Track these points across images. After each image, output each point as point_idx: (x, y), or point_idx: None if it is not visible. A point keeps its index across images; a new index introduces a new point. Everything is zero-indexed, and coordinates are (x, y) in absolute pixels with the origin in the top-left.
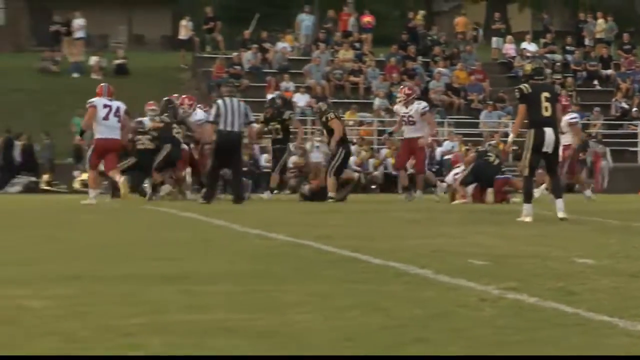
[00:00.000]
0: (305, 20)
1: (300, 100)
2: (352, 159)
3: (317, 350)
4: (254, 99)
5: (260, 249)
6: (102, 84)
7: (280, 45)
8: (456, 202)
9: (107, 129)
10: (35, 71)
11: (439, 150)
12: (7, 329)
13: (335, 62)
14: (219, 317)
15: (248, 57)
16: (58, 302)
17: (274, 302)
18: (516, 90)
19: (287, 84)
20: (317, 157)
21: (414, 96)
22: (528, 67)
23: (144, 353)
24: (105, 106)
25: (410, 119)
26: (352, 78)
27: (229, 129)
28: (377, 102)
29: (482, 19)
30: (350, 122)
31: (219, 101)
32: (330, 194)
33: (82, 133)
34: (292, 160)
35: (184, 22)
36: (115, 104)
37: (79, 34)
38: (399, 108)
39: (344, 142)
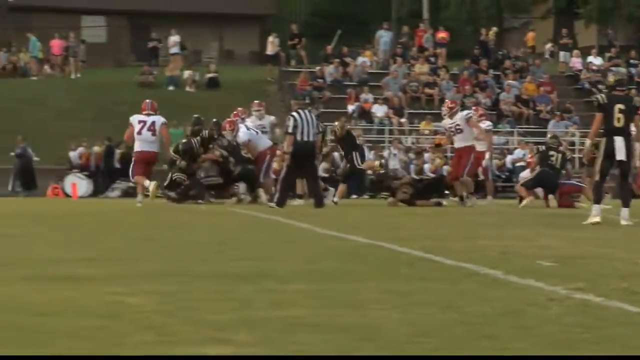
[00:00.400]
0: (384, 36)
1: (379, 110)
2: (426, 166)
3: (396, 344)
4: (336, 110)
5: (339, 250)
6: (146, 100)
7: (360, 59)
8: (524, 203)
9: (141, 143)
10: (135, 85)
11: (509, 158)
12: (108, 323)
13: (412, 75)
14: (301, 313)
15: (330, 70)
16: (155, 298)
17: (353, 299)
18: (593, 99)
19: (367, 96)
20: (394, 164)
21: (457, 108)
22: (611, 78)
23: (233, 347)
24: (139, 122)
25: (457, 127)
26: (427, 90)
27: (305, 139)
28: None
29: (550, 35)
30: (426, 132)
31: (295, 114)
32: (335, 199)
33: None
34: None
35: (271, 39)
36: (151, 119)
37: (175, 49)
38: (445, 121)
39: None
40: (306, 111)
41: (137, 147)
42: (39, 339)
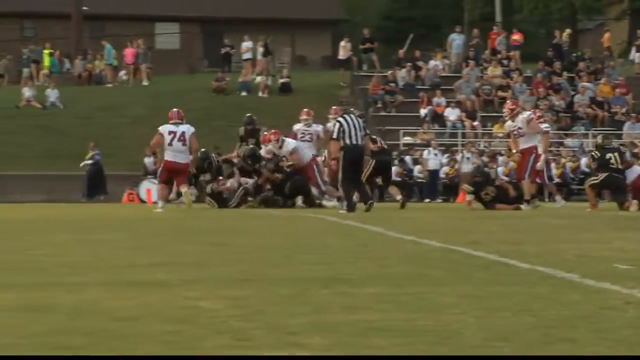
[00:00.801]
0: (456, 40)
1: (451, 114)
2: (499, 170)
3: (471, 348)
4: (408, 114)
5: (412, 254)
6: (173, 109)
7: (432, 63)
8: (588, 210)
9: (172, 153)
10: (208, 91)
11: (583, 161)
12: (183, 327)
13: (484, 78)
14: (376, 317)
15: (402, 74)
16: (229, 302)
17: (429, 303)
18: None
19: (439, 100)
20: (467, 167)
21: (518, 110)
22: None
23: (307, 350)
24: (170, 132)
25: (520, 130)
26: (500, 93)
27: (354, 142)
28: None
29: (625, 36)
30: (500, 134)
31: (340, 119)
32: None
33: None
34: (444, 170)
35: (343, 43)
36: (181, 128)
37: (247, 55)
38: (508, 124)
39: (377, 154)
40: (351, 115)
41: (168, 157)
42: (118, 344)
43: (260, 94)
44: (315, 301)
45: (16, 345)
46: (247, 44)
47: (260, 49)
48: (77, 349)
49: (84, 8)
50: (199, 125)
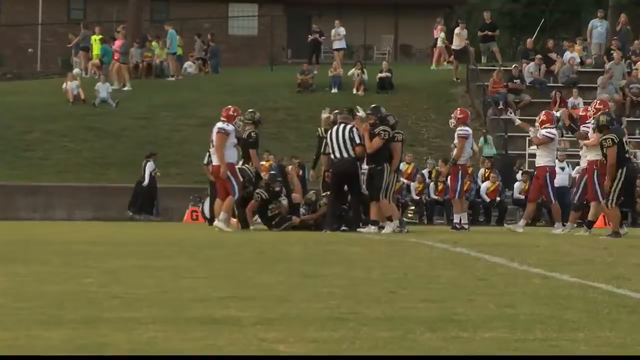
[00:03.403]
0: (598, 27)
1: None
2: None
3: None
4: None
5: (540, 291)
6: (228, 107)
7: (568, 55)
8: None
9: (213, 157)
10: (291, 86)
11: None
12: None
13: (632, 75)
14: None
15: (530, 69)
16: (314, 346)
17: (561, 352)
18: None
19: (575, 100)
20: None
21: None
22: None
23: None
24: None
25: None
26: None
27: (338, 155)
28: None
29: None
30: None
31: (331, 131)
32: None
33: None
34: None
35: (457, 30)
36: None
37: (339, 44)
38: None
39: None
40: (342, 125)
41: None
42: None
43: (354, 91)
44: (421, 347)
45: None
46: (339, 31)
47: (342, 38)
48: None
49: None
50: (280, 127)
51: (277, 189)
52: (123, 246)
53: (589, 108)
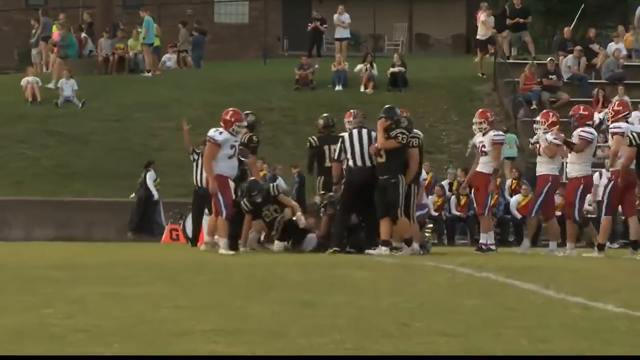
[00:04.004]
0: None
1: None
2: None
3: None
4: None
5: (582, 323)
6: (228, 110)
7: (612, 46)
8: None
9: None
10: (289, 83)
11: None
12: None
13: None
14: None
15: (568, 62)
16: None
17: None
18: None
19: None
20: None
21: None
22: None
23: None
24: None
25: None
26: None
27: (359, 164)
28: None
29: None
30: None
31: (345, 135)
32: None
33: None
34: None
35: (482, 17)
36: None
37: (343, 33)
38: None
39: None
40: (363, 130)
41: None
42: None
43: (361, 88)
44: None
45: None
46: (342, 18)
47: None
48: None
49: None
50: (275, 131)
51: (258, 200)
52: (90, 270)
53: (605, 110)
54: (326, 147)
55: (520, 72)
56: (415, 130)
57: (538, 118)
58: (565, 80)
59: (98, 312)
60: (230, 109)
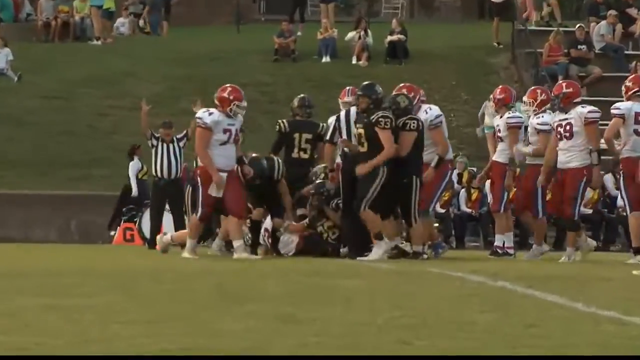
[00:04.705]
0: None
1: None
2: None
3: None
4: (610, 98)
5: (616, 341)
6: (225, 86)
7: None
8: None
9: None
10: (267, 54)
11: None
12: None
13: None
14: None
15: (601, 30)
16: None
17: None
18: None
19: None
20: None
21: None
22: None
23: None
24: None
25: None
26: None
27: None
28: None
29: None
30: None
31: (341, 114)
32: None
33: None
34: None
35: None
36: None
37: None
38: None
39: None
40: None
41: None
42: None
43: (353, 60)
44: None
45: None
46: None
47: None
48: None
49: None
50: (251, 111)
51: (257, 182)
52: (28, 278)
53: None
54: (297, 135)
55: (544, 42)
56: (431, 107)
57: (525, 98)
58: (597, 51)
59: (38, 328)
60: (228, 85)
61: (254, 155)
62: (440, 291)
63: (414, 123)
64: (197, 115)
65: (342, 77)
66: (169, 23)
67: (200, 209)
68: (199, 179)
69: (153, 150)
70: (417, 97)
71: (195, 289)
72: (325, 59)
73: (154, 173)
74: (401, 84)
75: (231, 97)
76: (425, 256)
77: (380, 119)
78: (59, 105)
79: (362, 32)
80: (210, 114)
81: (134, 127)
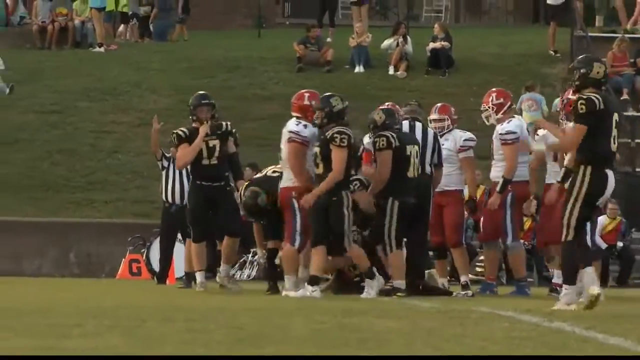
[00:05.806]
0: None
1: None
2: None
3: None
4: None
5: None
6: (300, 92)
7: None
8: None
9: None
10: (291, 63)
11: None
12: None
13: None
14: None
15: None
16: None
17: None
18: None
19: None
20: None
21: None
22: None
23: None
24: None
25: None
26: None
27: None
28: None
29: None
30: None
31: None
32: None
33: None
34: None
35: None
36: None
37: None
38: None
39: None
40: (416, 124)
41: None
42: None
43: (390, 70)
44: None
45: None
46: None
47: None
48: None
49: None
50: (275, 125)
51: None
52: (19, 317)
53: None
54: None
55: (608, 49)
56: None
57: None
58: None
59: None
60: (304, 90)
61: (258, 175)
62: (488, 333)
63: (382, 141)
64: (292, 129)
65: (377, 89)
66: (185, 27)
67: (298, 238)
68: (292, 202)
69: (163, 173)
70: (448, 117)
71: (208, 330)
72: (358, 68)
73: (164, 198)
74: (439, 104)
75: (313, 103)
76: (470, 293)
77: (335, 135)
78: (55, 121)
79: (401, 39)
80: (305, 126)
81: (141, 146)
